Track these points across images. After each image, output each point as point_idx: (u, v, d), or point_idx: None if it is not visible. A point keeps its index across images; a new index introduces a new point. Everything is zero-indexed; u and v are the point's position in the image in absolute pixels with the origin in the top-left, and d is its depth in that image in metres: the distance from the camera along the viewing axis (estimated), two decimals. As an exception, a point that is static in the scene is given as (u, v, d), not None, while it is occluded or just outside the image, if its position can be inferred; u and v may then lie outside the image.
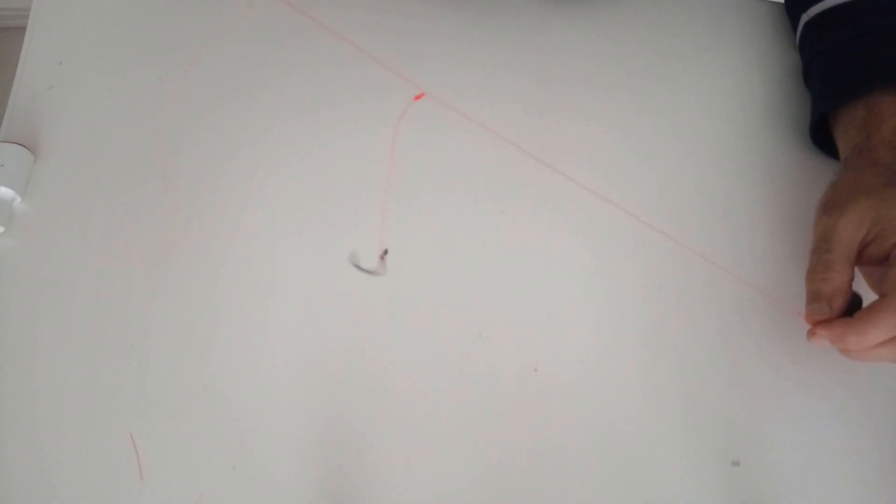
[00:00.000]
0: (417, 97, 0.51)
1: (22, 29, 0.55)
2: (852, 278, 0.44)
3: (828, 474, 0.44)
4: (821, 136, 0.53)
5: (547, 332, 0.47)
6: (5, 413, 0.44)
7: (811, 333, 0.44)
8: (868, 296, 0.44)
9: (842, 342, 0.42)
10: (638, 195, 0.51)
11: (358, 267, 0.42)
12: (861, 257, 0.44)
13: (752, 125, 0.55)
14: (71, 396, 0.44)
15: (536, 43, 0.56)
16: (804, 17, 0.55)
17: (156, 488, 0.42)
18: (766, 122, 0.55)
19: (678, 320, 0.48)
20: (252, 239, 0.49)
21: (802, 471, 0.44)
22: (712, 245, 0.50)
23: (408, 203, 0.50)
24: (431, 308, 0.47)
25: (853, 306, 0.44)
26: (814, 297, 0.44)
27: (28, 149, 0.50)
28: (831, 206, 0.45)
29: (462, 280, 0.48)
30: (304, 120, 0.53)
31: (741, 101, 0.55)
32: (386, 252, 0.44)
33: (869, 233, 0.43)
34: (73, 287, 0.47)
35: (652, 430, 0.45)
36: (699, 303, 0.48)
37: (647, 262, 0.48)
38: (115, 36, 0.54)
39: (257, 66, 0.54)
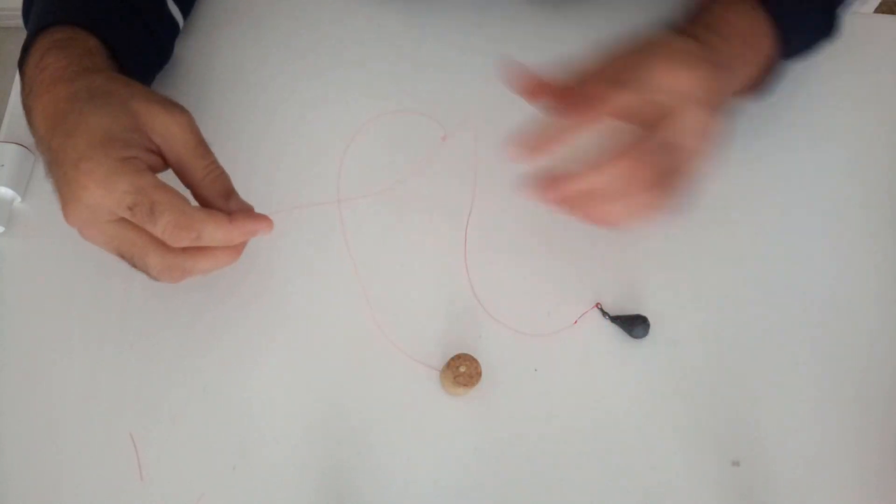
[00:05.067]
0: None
1: (22, 29, 0.55)
2: None
3: (828, 474, 0.44)
4: None
5: (547, 332, 0.47)
6: (6, 413, 0.44)
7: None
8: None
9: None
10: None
11: None
12: None
13: (753, 123, 0.55)
14: (71, 396, 0.44)
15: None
16: None
17: (156, 488, 0.42)
18: (766, 120, 0.55)
19: (677, 319, 0.48)
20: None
21: (802, 471, 0.44)
22: (712, 244, 0.50)
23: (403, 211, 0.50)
24: (430, 309, 0.47)
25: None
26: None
27: (28, 149, 0.50)
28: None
29: (461, 280, 0.48)
30: (307, 128, 0.53)
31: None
32: None
33: None
34: (73, 287, 0.47)
35: (652, 429, 0.45)
36: (699, 302, 0.49)
37: (647, 262, 0.48)
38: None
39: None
